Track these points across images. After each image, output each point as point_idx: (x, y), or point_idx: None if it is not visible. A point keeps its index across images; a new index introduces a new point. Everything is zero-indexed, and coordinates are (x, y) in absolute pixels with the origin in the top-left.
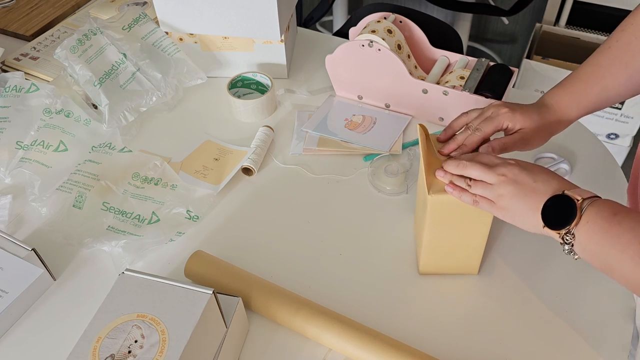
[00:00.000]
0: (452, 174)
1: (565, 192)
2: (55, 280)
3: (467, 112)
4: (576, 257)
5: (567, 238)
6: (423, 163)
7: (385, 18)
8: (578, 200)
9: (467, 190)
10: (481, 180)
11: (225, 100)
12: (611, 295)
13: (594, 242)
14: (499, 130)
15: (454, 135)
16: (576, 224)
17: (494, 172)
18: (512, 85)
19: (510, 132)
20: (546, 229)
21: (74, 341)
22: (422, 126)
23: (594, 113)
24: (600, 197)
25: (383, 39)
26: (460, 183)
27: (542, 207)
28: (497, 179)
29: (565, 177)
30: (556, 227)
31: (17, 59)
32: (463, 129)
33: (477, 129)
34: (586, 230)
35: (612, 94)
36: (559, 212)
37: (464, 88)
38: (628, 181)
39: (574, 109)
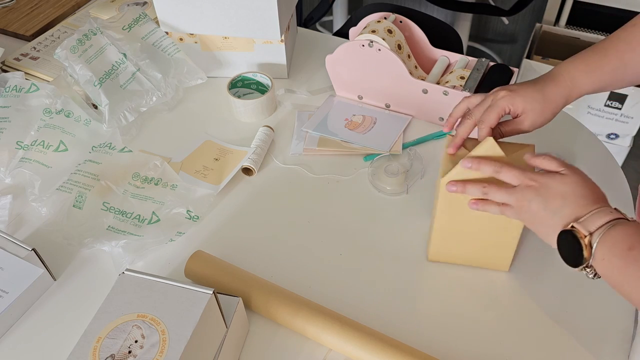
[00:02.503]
0: (464, 185)
1: (574, 225)
2: (55, 280)
3: (468, 97)
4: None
5: (588, 271)
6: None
7: (385, 18)
8: (585, 236)
9: (489, 200)
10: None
11: (225, 100)
12: (613, 295)
13: (614, 277)
14: (502, 116)
15: (455, 122)
16: (591, 260)
17: (526, 175)
18: None
19: (513, 115)
20: None
21: (74, 341)
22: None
23: (595, 113)
24: (616, 219)
25: (383, 39)
26: (476, 190)
27: (556, 242)
28: (526, 184)
29: None
30: (571, 265)
31: (17, 59)
32: (464, 118)
33: (481, 122)
34: (603, 266)
35: (630, 72)
36: (571, 249)
37: (464, 88)
38: (628, 179)
39: (587, 81)
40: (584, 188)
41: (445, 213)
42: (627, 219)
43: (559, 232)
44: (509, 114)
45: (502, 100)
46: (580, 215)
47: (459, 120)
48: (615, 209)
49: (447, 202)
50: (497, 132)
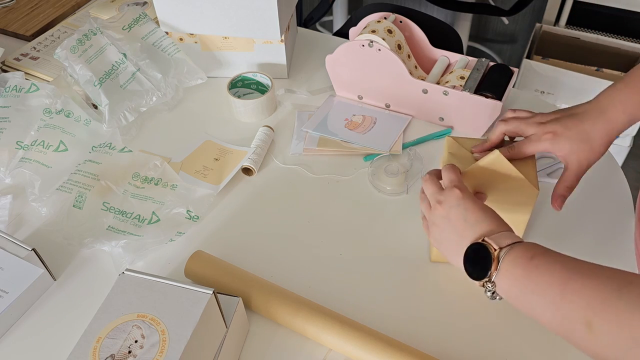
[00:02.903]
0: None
1: (486, 239)
2: (55, 280)
3: (505, 120)
4: (500, 298)
5: (489, 286)
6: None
7: (385, 18)
8: (495, 250)
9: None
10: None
11: (225, 100)
12: None
13: (515, 289)
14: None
15: (490, 149)
16: (495, 273)
17: (435, 196)
18: (512, 85)
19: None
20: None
21: (74, 341)
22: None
23: None
24: (522, 242)
25: (383, 39)
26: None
27: (464, 252)
28: (434, 205)
29: None
30: (474, 277)
31: (17, 59)
32: (509, 133)
33: (512, 148)
34: (506, 278)
35: None
36: (478, 261)
37: (464, 88)
38: (628, 179)
39: (626, 116)
40: (494, 213)
41: None
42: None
43: (469, 243)
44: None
45: (544, 143)
46: (494, 231)
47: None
48: (517, 235)
49: None
50: (567, 192)
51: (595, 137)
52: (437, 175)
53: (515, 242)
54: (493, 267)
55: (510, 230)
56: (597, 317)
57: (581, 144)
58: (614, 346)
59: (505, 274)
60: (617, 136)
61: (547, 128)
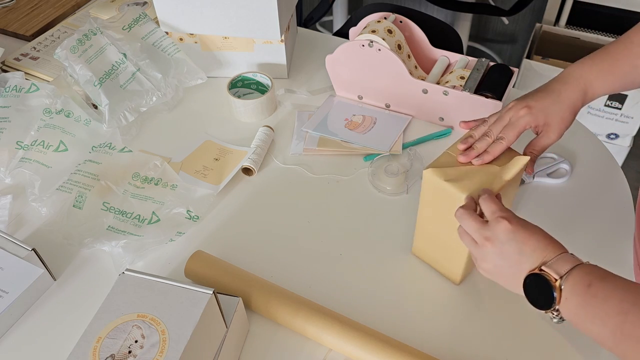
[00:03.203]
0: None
1: (544, 269)
2: (55, 280)
3: (485, 119)
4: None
5: (554, 314)
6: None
7: (385, 18)
8: (556, 280)
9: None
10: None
11: (225, 100)
12: None
13: (578, 318)
14: (521, 133)
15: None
16: (557, 303)
17: (480, 233)
18: (512, 85)
19: (536, 130)
20: None
21: (74, 341)
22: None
23: (595, 113)
24: (580, 263)
25: (383, 39)
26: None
27: (522, 283)
28: (481, 243)
29: (565, 177)
30: (541, 308)
31: (17, 59)
32: (484, 135)
33: (500, 138)
34: (567, 307)
35: None
36: (540, 291)
37: (464, 88)
38: (628, 179)
39: (600, 84)
40: (546, 234)
41: (426, 213)
42: (584, 263)
43: (527, 273)
44: (530, 129)
45: (523, 119)
46: (550, 257)
47: (476, 130)
48: (572, 254)
49: (429, 195)
50: (533, 157)
51: (566, 104)
52: (472, 208)
53: (573, 267)
54: (557, 299)
55: (564, 250)
56: None
57: (555, 113)
58: None
59: (565, 302)
60: (584, 103)
61: (519, 105)
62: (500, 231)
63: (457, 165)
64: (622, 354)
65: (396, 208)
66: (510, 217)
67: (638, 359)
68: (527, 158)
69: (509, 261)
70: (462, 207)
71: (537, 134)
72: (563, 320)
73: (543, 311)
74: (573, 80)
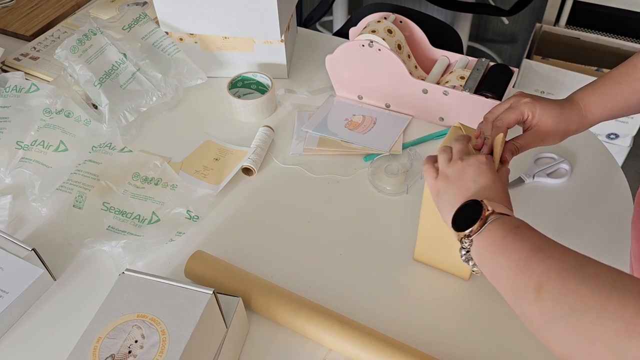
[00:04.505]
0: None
1: (484, 201)
2: (55, 280)
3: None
4: (474, 267)
5: (465, 242)
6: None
7: (385, 18)
8: (487, 211)
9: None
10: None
11: (225, 100)
12: None
13: (487, 250)
14: (520, 120)
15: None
16: (477, 231)
17: (462, 153)
18: (512, 85)
19: (528, 124)
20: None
21: (74, 341)
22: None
23: None
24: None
25: (383, 39)
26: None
27: (458, 206)
28: (455, 160)
29: (565, 177)
30: (456, 227)
31: (17, 59)
32: (483, 119)
33: (499, 119)
34: (484, 238)
35: None
36: (467, 216)
37: (464, 88)
38: (628, 179)
39: (599, 109)
40: (506, 192)
41: (428, 215)
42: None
43: (468, 198)
44: (525, 121)
45: (524, 106)
46: (495, 201)
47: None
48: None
49: (431, 204)
50: (514, 148)
51: (564, 117)
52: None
53: (510, 215)
54: (477, 224)
55: (512, 212)
56: (549, 283)
57: (552, 117)
58: (550, 313)
59: (486, 234)
60: (579, 129)
61: (524, 95)
62: (477, 157)
63: None
64: (514, 287)
65: (396, 208)
66: (492, 161)
67: (526, 291)
68: (502, 135)
69: (460, 183)
70: (462, 136)
71: (524, 130)
72: (470, 258)
73: (457, 238)
74: (576, 103)
